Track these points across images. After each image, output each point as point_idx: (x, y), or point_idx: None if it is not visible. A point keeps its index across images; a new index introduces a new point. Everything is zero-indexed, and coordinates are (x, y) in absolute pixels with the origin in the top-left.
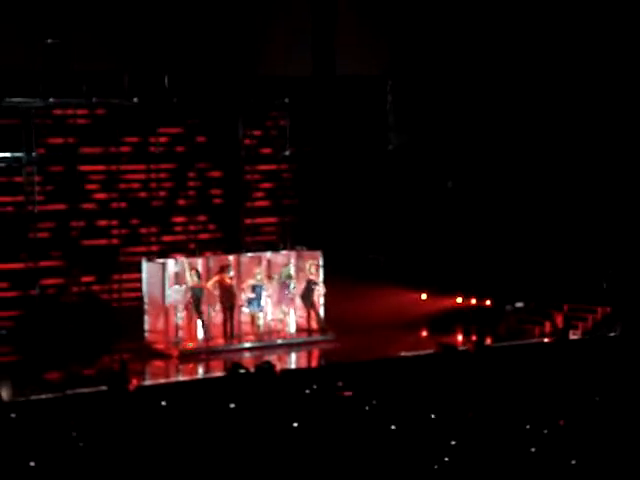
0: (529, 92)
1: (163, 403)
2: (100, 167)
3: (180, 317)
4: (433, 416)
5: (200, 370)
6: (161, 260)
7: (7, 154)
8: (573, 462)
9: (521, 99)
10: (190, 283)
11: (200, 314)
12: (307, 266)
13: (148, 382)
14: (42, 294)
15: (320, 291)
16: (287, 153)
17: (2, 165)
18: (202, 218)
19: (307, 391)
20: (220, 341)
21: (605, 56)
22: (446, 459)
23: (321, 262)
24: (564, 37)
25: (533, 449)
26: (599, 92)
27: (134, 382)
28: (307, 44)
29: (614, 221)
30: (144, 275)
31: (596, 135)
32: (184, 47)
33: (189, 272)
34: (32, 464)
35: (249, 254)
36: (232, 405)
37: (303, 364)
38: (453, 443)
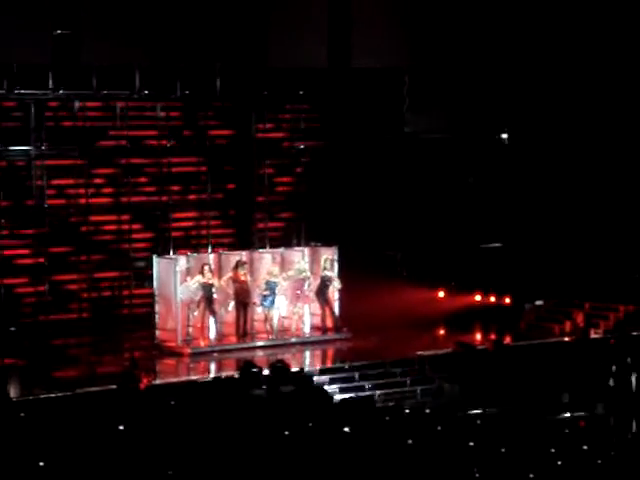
0: (547, 83)
1: (172, 402)
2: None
3: (193, 315)
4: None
5: (212, 369)
6: (172, 256)
7: (16, 147)
8: (594, 463)
9: (540, 88)
10: (202, 280)
11: (212, 311)
12: (322, 261)
13: (159, 381)
14: (53, 290)
15: (336, 286)
16: (302, 146)
17: (11, 159)
18: (214, 213)
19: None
20: (232, 339)
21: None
22: (463, 460)
23: (336, 257)
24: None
25: (553, 450)
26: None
27: (145, 381)
28: (323, 35)
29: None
30: (155, 271)
31: (620, 131)
32: (196, 38)
33: (200, 268)
34: (41, 464)
35: (262, 250)
36: (242, 404)
37: (317, 363)
38: (471, 444)
